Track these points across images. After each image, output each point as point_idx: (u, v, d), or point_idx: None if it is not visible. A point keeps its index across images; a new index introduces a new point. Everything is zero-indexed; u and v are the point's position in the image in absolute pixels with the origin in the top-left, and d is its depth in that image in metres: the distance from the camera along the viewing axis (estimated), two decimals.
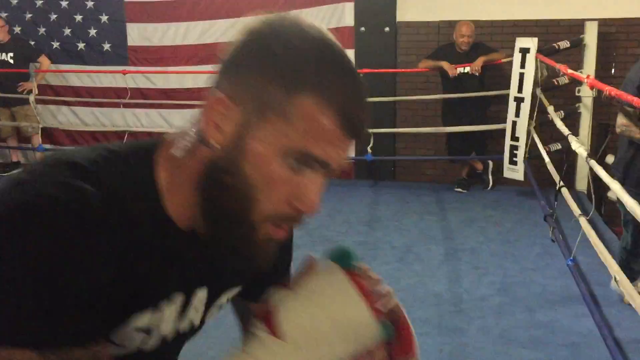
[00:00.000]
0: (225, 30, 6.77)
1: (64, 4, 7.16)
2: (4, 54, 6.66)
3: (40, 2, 7.21)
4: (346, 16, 6.56)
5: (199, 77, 6.77)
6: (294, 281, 0.73)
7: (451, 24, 6.11)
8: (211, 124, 0.68)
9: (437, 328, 3.36)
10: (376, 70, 6.15)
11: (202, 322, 0.87)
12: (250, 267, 0.77)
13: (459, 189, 6.17)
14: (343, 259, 0.69)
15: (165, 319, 0.77)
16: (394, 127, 6.57)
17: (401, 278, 4.05)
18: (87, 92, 7.14)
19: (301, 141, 0.66)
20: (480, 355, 3.08)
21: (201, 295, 0.82)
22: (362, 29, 6.54)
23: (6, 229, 0.62)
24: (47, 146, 6.93)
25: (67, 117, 7.25)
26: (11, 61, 6.66)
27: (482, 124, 5.98)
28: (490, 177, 6.21)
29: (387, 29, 6.51)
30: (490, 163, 6.20)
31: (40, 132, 6.78)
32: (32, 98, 6.57)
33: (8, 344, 0.60)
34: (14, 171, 6.96)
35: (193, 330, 0.86)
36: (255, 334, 0.66)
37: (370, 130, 6.11)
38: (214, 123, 0.68)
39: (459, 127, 5.94)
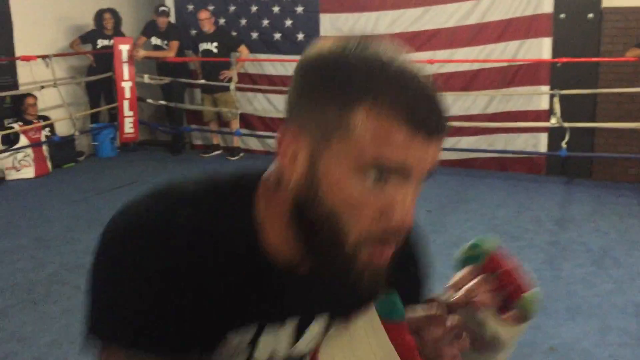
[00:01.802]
0: (415, 20, 6.73)
1: None
2: (209, 44, 7.22)
3: None
4: (544, 3, 6.19)
5: None
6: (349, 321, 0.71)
7: None
8: (286, 157, 0.69)
9: (638, 340, 3.06)
10: (576, 60, 5.74)
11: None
12: (355, 296, 0.71)
13: None
14: (387, 310, 0.67)
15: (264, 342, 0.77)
16: (593, 121, 6.08)
17: (596, 284, 3.75)
18: (281, 80, 7.49)
19: (371, 153, 0.63)
20: None
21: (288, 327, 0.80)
22: (562, 15, 6.13)
23: (104, 252, 0.72)
24: (244, 131, 7.40)
25: (262, 104, 7.67)
26: (215, 50, 7.19)
27: None
28: None
29: (590, 15, 6.05)
30: None
31: (238, 117, 7.27)
32: (232, 86, 7.05)
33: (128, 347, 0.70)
34: (215, 152, 7.55)
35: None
36: None
37: (566, 124, 5.73)
38: (289, 156, 0.68)
39: None
